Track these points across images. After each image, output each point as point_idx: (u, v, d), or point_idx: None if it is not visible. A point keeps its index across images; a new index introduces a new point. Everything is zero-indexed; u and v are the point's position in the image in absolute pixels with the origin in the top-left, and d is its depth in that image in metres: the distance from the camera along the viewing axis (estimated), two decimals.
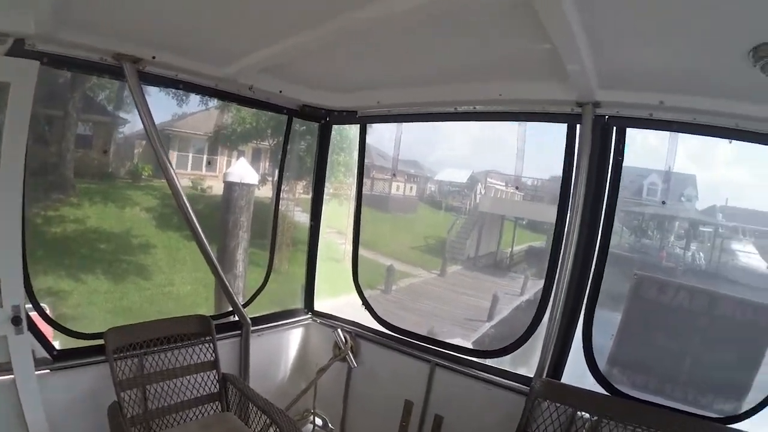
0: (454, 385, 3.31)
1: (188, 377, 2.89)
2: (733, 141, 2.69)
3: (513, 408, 2.91)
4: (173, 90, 3.48)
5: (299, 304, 4.01)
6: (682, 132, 2.78)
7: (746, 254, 4.77)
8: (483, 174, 5.62)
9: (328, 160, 3.94)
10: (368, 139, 3.82)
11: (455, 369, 3.30)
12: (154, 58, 2.63)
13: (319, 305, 4.04)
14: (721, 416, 2.92)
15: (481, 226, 5.97)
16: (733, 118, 2.55)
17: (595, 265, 2.88)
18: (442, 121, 3.47)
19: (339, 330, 3.73)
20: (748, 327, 2.94)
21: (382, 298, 4.78)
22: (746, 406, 2.92)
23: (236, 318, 3.38)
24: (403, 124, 3.91)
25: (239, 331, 3.37)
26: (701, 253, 3.73)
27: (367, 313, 3.89)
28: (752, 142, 2.66)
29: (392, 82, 3.24)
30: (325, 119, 3.78)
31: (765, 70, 1.91)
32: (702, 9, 1.72)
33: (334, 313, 3.97)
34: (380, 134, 4.03)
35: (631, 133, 2.94)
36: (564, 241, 2.82)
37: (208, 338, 3.00)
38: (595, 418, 2.78)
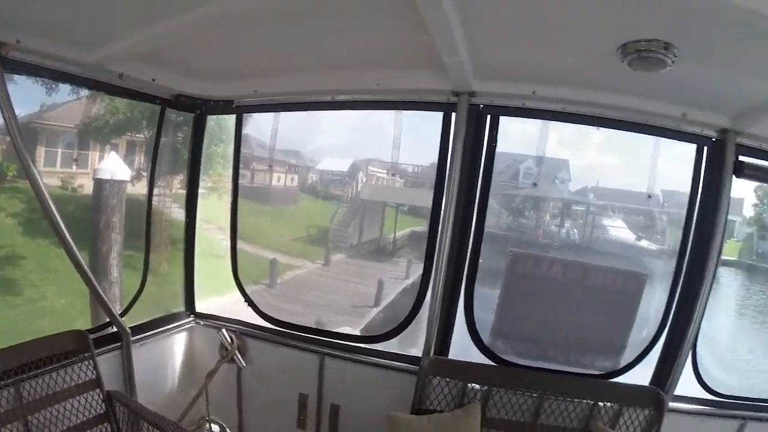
0: (346, 372, 3.41)
1: (71, 400, 2.64)
2: (601, 128, 3.03)
3: (406, 388, 3.06)
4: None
5: (182, 307, 3.81)
6: (553, 120, 3.09)
7: (616, 228, 5.34)
8: (364, 162, 5.72)
9: (206, 152, 3.74)
10: (248, 130, 3.68)
11: (345, 357, 3.39)
12: (18, 42, 2.32)
13: (204, 306, 3.88)
14: (602, 372, 3.29)
15: (363, 213, 6.11)
16: (600, 108, 2.89)
17: (472, 245, 3.09)
18: (320, 110, 3.48)
19: (223, 330, 3.62)
20: (619, 292, 3.32)
21: (267, 292, 4.68)
22: (624, 361, 3.33)
23: (115, 329, 3.12)
24: (283, 113, 3.82)
25: (119, 343, 3.11)
26: (575, 230, 4.18)
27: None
28: (617, 128, 3.07)
29: (269, 70, 3.19)
30: (200, 110, 3.56)
31: (632, 65, 2.16)
32: (574, 9, 1.91)
33: (218, 313, 3.82)
34: (260, 124, 3.91)
35: (509, 121, 3.17)
36: (441, 224, 2.98)
37: (86, 355, 2.75)
38: (485, 388, 3.03)
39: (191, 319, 3.80)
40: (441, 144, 3.04)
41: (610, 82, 2.66)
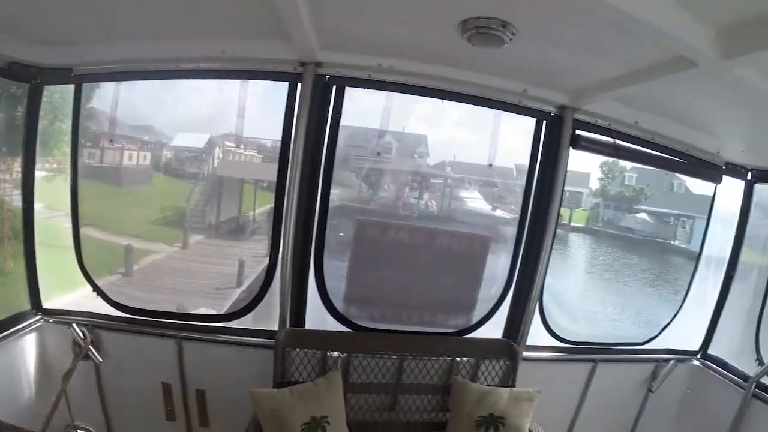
0: (206, 354, 3.42)
1: None
2: (445, 101, 3.21)
3: (267, 363, 3.11)
4: None
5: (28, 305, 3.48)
6: (398, 92, 3.27)
7: (473, 200, 5.49)
8: (221, 137, 5.55)
9: (50, 128, 3.43)
10: (96, 103, 3.44)
11: (202, 339, 3.36)
12: None
13: (55, 302, 3.53)
14: (456, 330, 3.57)
15: (220, 191, 5.96)
16: (446, 82, 3.11)
17: (318, 216, 3.17)
18: (164, 79, 3.37)
19: (74, 325, 3.36)
20: (465, 254, 3.54)
21: (125, 281, 4.44)
22: (476, 318, 3.66)
23: None
24: (134, 84, 3.61)
25: None
26: (433, 201, 4.41)
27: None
28: (462, 102, 3.27)
29: (111, 35, 3.01)
30: (36, 79, 3.17)
31: (472, 41, 2.34)
32: None
33: (69, 308, 3.51)
34: (109, 97, 3.66)
35: (368, 95, 3.23)
36: (286, 196, 3.03)
37: None
38: (345, 354, 3.15)
39: (39, 317, 3.42)
40: (286, 115, 3.08)
41: (455, 57, 2.86)
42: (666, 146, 3.79)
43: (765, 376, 3.85)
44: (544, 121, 3.39)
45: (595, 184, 5.68)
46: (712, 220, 4.39)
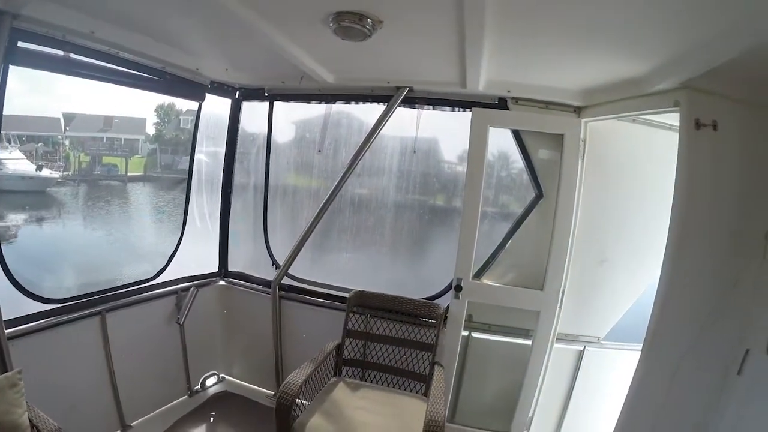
0: None
1: None
2: None
3: None
4: None
5: None
6: None
7: (14, 161, 5.17)
8: None
9: None
10: None
11: None
12: None
13: None
14: None
15: None
16: None
17: None
18: None
19: None
20: None
21: None
22: None
23: None
24: None
25: None
26: None
27: None
28: None
29: None
30: None
31: None
32: None
33: None
34: None
35: None
36: None
37: None
38: None
39: None
40: None
41: None
42: (141, 63, 3.86)
43: (285, 277, 4.76)
44: None
45: (151, 130, 5.82)
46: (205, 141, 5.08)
